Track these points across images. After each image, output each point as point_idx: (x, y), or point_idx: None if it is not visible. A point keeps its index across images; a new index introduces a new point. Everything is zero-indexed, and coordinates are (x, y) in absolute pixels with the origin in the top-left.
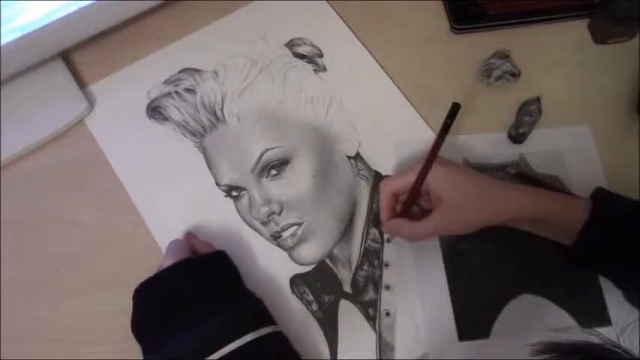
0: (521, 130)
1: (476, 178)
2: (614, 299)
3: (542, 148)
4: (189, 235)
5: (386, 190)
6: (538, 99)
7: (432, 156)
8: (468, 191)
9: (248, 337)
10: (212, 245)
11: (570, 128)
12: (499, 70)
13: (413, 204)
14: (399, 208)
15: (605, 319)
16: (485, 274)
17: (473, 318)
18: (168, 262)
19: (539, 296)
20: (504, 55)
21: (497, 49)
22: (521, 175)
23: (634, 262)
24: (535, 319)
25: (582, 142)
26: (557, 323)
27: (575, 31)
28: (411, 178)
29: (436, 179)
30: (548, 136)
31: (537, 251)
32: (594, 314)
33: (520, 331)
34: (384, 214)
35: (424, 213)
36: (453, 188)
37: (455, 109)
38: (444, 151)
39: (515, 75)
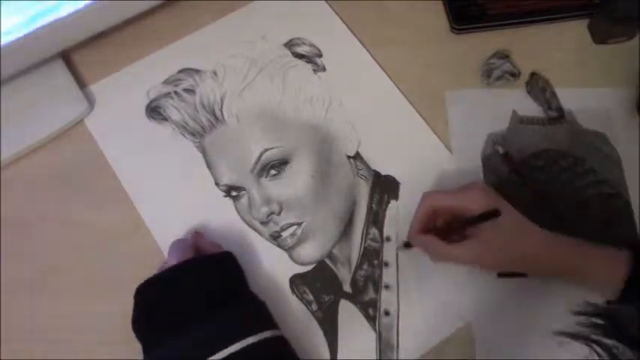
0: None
1: (520, 221)
2: None
3: (588, 105)
4: (197, 235)
5: (427, 202)
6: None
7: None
8: (509, 233)
9: (250, 340)
10: (219, 245)
11: (618, 89)
12: (499, 70)
13: (451, 230)
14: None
15: None
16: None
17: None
18: (171, 262)
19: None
20: (504, 55)
21: (497, 49)
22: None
23: None
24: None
25: (629, 102)
26: None
27: (575, 31)
28: (456, 200)
29: (480, 205)
30: (595, 95)
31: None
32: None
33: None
34: (416, 225)
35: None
36: (495, 225)
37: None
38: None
39: (515, 75)
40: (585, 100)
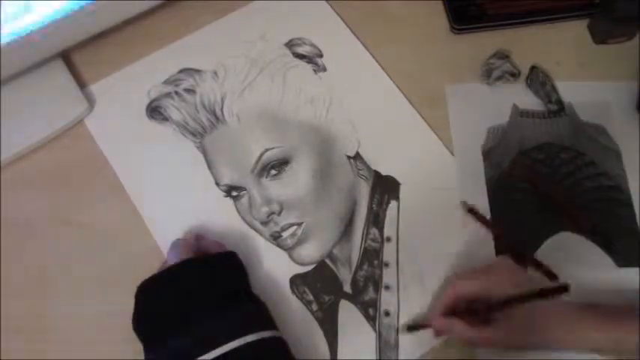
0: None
1: (547, 303)
2: None
3: (588, 98)
4: (199, 237)
5: (453, 291)
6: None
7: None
8: (538, 314)
9: (249, 338)
10: (223, 245)
11: (618, 82)
12: (499, 71)
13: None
14: None
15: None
16: (525, 211)
17: (515, 251)
18: (171, 261)
19: (576, 234)
20: (504, 56)
21: (497, 49)
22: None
23: None
24: (572, 256)
25: (629, 95)
26: (593, 261)
27: (575, 31)
28: (482, 287)
29: (510, 289)
30: (594, 88)
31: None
32: (630, 253)
33: (558, 264)
34: (439, 310)
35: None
36: (524, 307)
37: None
38: None
39: (515, 75)
40: (585, 93)
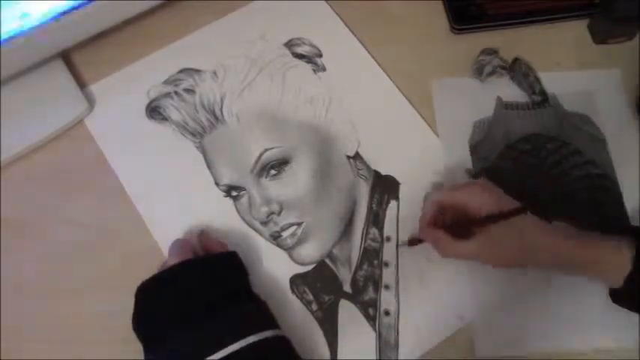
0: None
1: (527, 217)
2: None
3: (572, 88)
4: (202, 235)
5: (436, 196)
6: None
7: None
8: (512, 228)
9: (251, 339)
10: (226, 244)
11: (600, 71)
12: (490, 66)
13: (458, 225)
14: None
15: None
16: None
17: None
18: (171, 261)
19: (567, 223)
20: (492, 51)
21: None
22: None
23: None
24: None
25: (612, 84)
26: None
27: (575, 31)
28: (460, 196)
29: (487, 207)
30: (578, 78)
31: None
32: None
33: None
34: (427, 219)
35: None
36: (504, 224)
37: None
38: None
39: (506, 68)
40: (568, 83)
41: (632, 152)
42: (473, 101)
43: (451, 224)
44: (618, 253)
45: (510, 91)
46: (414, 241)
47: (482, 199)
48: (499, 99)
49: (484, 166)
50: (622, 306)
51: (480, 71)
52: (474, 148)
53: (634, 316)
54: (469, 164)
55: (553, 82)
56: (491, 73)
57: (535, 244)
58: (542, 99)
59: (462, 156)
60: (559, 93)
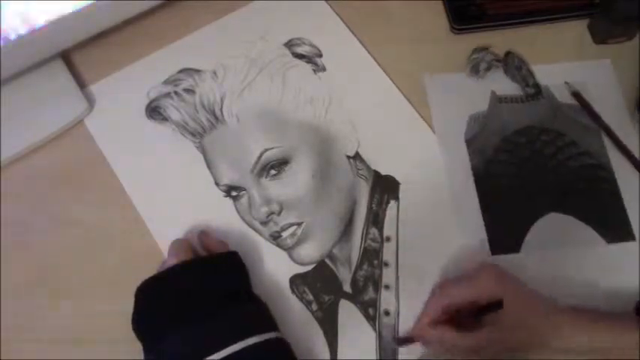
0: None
1: (535, 298)
2: (637, 215)
3: (564, 80)
4: (203, 234)
5: (440, 301)
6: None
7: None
8: (525, 311)
9: (251, 340)
10: (226, 244)
11: (592, 62)
12: (485, 62)
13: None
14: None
15: (629, 235)
16: (514, 194)
17: (504, 235)
18: (170, 261)
19: (565, 214)
20: (483, 48)
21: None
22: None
23: None
24: (562, 235)
25: (603, 74)
26: (583, 239)
27: (575, 31)
28: (470, 294)
29: (494, 293)
30: (570, 69)
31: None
32: (618, 230)
33: (549, 245)
34: (426, 320)
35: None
36: (512, 305)
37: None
38: None
39: (500, 60)
40: (560, 75)
41: (626, 141)
42: (467, 96)
43: (452, 319)
44: (629, 331)
45: (503, 85)
46: (405, 341)
47: (493, 289)
48: (493, 93)
49: (481, 161)
50: None
51: (476, 69)
52: (470, 142)
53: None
54: (466, 161)
55: (546, 74)
56: (488, 69)
57: (551, 330)
58: (535, 91)
59: (459, 150)
60: (551, 85)
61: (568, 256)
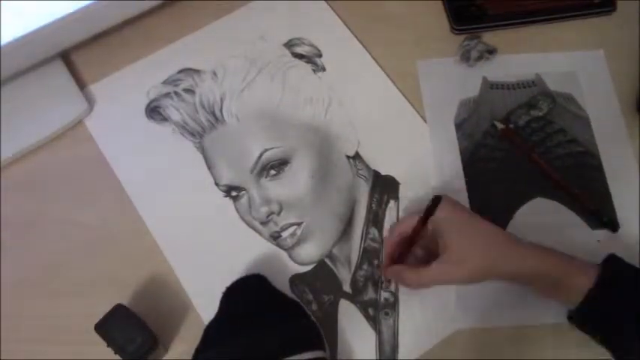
0: None
1: (485, 228)
2: (622, 204)
3: (555, 68)
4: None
5: (392, 235)
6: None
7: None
8: (473, 241)
9: (306, 356)
10: None
11: (584, 52)
12: (476, 51)
13: (409, 251)
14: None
15: (613, 224)
16: (501, 178)
17: (490, 218)
18: None
19: (550, 199)
20: (475, 36)
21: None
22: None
23: (636, 339)
24: (547, 220)
25: (595, 64)
26: (568, 225)
27: (575, 31)
28: (409, 223)
29: (443, 224)
30: (561, 58)
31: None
32: (603, 217)
33: (533, 230)
34: (386, 259)
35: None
36: (458, 236)
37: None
38: None
39: (491, 52)
40: (552, 64)
41: (614, 130)
42: (458, 81)
43: (398, 255)
44: (584, 274)
45: (495, 72)
46: (382, 282)
47: (443, 213)
48: (484, 79)
49: (470, 145)
50: (579, 328)
51: (466, 56)
52: (460, 126)
53: None
54: (454, 144)
55: (538, 62)
56: (478, 58)
57: (501, 256)
58: (527, 78)
59: (448, 133)
60: (544, 73)
61: (552, 241)
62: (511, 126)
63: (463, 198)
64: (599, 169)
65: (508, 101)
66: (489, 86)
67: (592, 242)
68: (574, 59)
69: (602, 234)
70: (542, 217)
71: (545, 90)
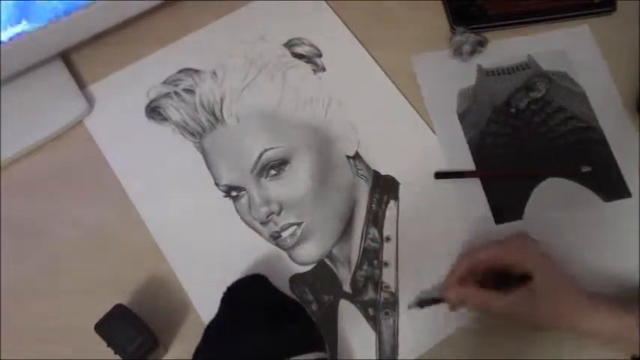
0: None
1: (568, 276)
2: (630, 174)
3: (545, 48)
4: None
5: (470, 261)
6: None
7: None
8: (557, 284)
9: (307, 357)
10: None
11: (570, 29)
12: (468, 45)
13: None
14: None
15: (625, 192)
16: (511, 163)
17: (506, 204)
18: None
19: (562, 178)
20: (464, 30)
21: None
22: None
23: None
24: (562, 198)
25: (581, 38)
26: (582, 200)
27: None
28: (497, 258)
29: (525, 257)
30: (549, 37)
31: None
32: (615, 189)
33: (549, 210)
34: (453, 279)
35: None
36: (545, 273)
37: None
38: None
39: (483, 44)
40: (541, 44)
41: (611, 101)
42: (454, 72)
43: (484, 279)
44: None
45: (489, 59)
46: (431, 302)
47: (518, 255)
48: (479, 67)
49: (475, 134)
50: None
51: (459, 52)
52: (463, 117)
53: None
54: (461, 136)
55: (527, 44)
56: (472, 53)
57: (574, 306)
58: (520, 61)
59: (453, 125)
60: (535, 53)
61: (568, 218)
62: (512, 110)
63: (477, 189)
64: (602, 141)
65: (505, 86)
66: (485, 74)
67: (606, 214)
68: (561, 36)
69: (615, 205)
70: (556, 197)
71: (539, 71)
